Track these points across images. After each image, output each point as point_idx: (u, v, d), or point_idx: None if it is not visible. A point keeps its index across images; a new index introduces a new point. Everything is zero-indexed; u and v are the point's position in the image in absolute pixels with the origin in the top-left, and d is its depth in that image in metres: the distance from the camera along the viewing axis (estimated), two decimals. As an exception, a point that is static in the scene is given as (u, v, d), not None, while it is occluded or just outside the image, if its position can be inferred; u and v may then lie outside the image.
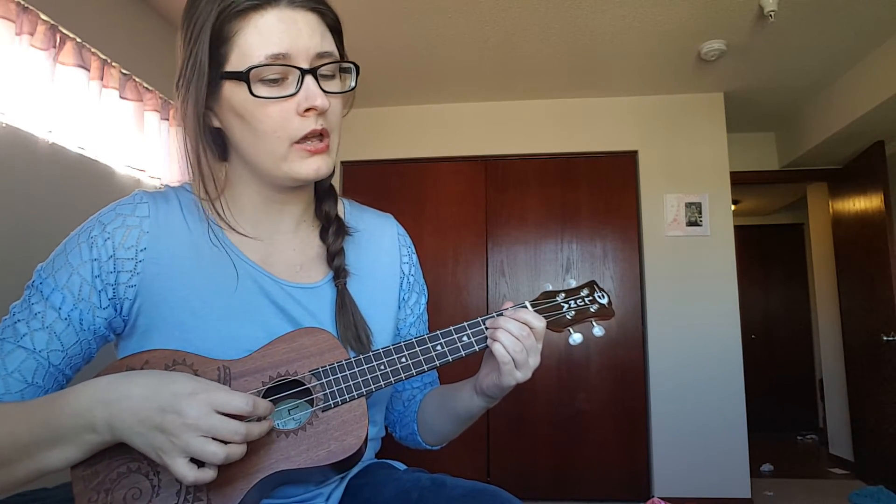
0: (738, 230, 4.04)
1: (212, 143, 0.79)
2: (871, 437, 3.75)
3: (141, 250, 0.75)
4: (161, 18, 2.76)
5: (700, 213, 3.58)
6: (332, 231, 0.85)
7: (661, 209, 3.61)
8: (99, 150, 2.25)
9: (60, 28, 2.04)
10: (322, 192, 0.87)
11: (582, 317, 0.85)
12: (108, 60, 2.28)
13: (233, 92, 0.72)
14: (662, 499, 2.84)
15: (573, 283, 0.88)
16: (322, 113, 0.73)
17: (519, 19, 2.81)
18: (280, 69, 0.70)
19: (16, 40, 1.85)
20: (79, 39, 2.12)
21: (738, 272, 3.58)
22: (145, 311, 0.75)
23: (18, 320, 0.71)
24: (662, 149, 3.66)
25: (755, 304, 6.00)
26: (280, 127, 0.72)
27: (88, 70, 2.14)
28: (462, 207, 3.75)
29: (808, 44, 3.00)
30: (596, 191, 3.70)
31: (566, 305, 0.85)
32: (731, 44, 3.00)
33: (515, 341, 0.76)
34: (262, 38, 0.69)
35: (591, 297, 0.87)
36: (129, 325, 0.76)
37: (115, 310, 0.75)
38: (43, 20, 1.95)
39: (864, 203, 3.76)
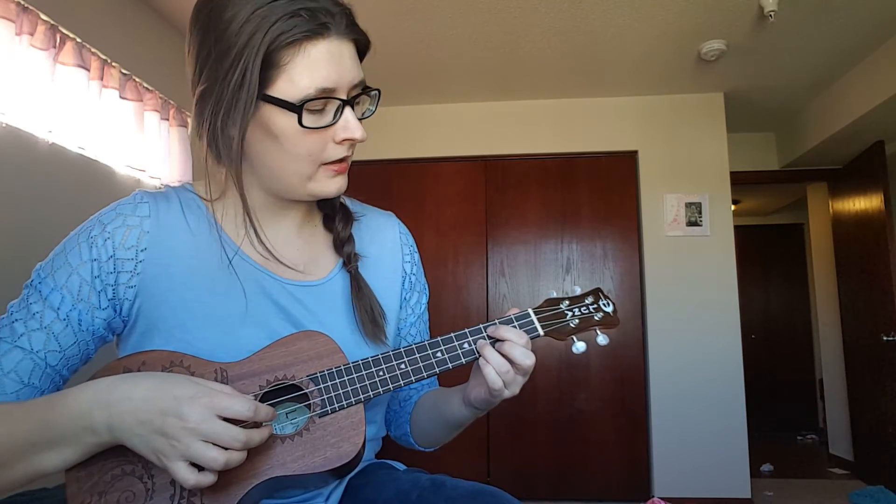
0: (738, 230, 4.04)
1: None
2: (871, 437, 3.75)
3: (141, 250, 0.75)
4: (161, 18, 2.76)
5: (700, 213, 3.58)
6: (340, 219, 0.85)
7: (661, 209, 3.61)
8: (99, 150, 2.24)
9: (60, 28, 2.03)
10: None
11: (586, 325, 0.83)
12: (108, 60, 2.28)
13: (274, 115, 0.71)
14: (662, 499, 2.84)
15: (578, 291, 0.86)
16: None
17: (519, 19, 2.81)
18: (325, 100, 0.71)
19: (16, 40, 1.85)
20: (79, 39, 2.11)
21: (738, 272, 3.58)
22: (145, 312, 0.74)
23: (16, 320, 0.71)
24: (662, 149, 3.66)
25: (755, 304, 6.00)
26: (315, 152, 0.73)
27: (88, 70, 2.14)
28: (462, 207, 3.75)
29: (808, 44, 3.00)
30: (596, 191, 3.70)
31: (570, 313, 0.83)
32: (731, 44, 3.00)
33: (503, 363, 0.75)
34: (313, 70, 0.69)
35: (595, 305, 0.84)
36: (128, 326, 0.76)
37: (115, 310, 0.74)
38: (43, 20, 1.95)
39: (864, 203, 3.76)
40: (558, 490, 3.48)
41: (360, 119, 0.76)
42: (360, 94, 0.75)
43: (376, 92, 0.78)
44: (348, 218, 0.86)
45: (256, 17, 0.68)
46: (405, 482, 0.78)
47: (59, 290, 0.72)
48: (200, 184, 0.83)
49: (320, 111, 0.72)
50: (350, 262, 0.83)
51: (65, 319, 0.71)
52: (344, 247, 0.84)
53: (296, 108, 0.69)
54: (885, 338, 3.45)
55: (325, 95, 0.70)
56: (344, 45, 0.72)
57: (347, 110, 0.73)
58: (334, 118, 0.72)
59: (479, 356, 0.76)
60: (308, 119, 0.71)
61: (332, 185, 0.76)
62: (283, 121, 0.71)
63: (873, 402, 3.70)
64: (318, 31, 0.69)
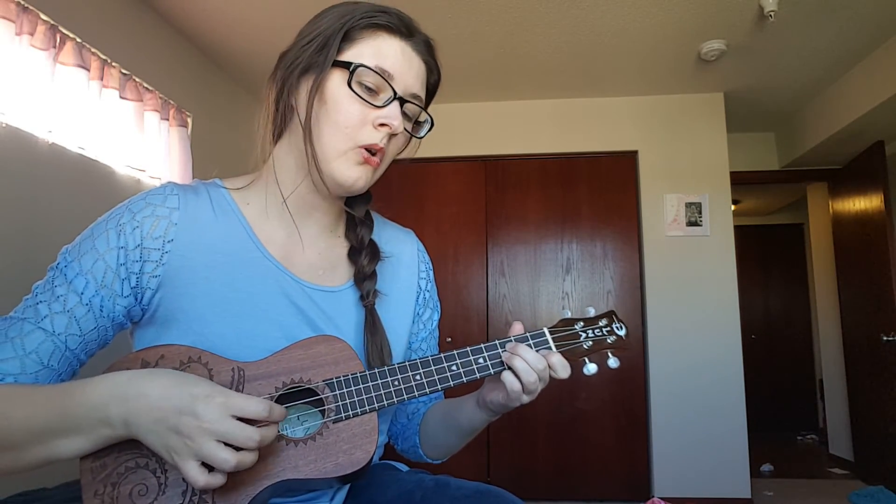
0: (738, 230, 4.05)
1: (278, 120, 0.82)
2: (871, 437, 3.75)
3: (168, 241, 0.75)
4: (161, 18, 2.75)
5: (700, 213, 3.58)
6: (366, 254, 0.86)
7: (661, 209, 3.61)
8: (99, 150, 2.24)
9: (60, 28, 2.03)
10: (359, 220, 0.88)
11: (599, 347, 0.84)
12: (108, 60, 2.28)
13: (332, 78, 0.76)
14: (662, 499, 2.84)
15: (592, 312, 0.87)
16: (391, 135, 0.78)
17: (519, 19, 2.81)
18: (380, 82, 0.76)
19: (16, 40, 1.85)
20: (79, 39, 2.11)
21: (738, 272, 3.58)
22: (165, 303, 0.75)
23: (40, 301, 0.71)
24: (662, 149, 3.66)
25: (755, 305, 6.00)
26: (353, 126, 0.76)
27: (88, 70, 2.14)
28: (462, 207, 3.75)
29: (808, 44, 3.00)
30: (596, 191, 3.70)
31: (584, 335, 0.84)
32: (731, 44, 3.00)
33: (531, 371, 0.75)
34: (381, 52, 0.77)
35: (609, 328, 0.85)
36: (147, 315, 0.76)
37: (136, 299, 0.75)
38: (43, 20, 1.95)
39: (864, 203, 3.76)
40: (558, 490, 3.48)
41: (408, 132, 0.81)
42: (412, 102, 0.80)
43: (429, 118, 0.84)
44: (375, 255, 0.87)
45: (349, 5, 0.79)
46: (409, 483, 0.79)
47: (83, 275, 0.72)
48: (230, 180, 0.85)
49: (374, 92, 0.76)
50: (368, 297, 0.83)
51: (87, 304, 0.72)
52: (365, 282, 0.84)
53: (350, 66, 0.75)
54: (885, 338, 3.45)
55: (381, 74, 0.75)
56: (415, 57, 0.79)
57: (396, 103, 0.77)
58: (383, 104, 0.76)
59: (507, 368, 0.77)
60: (358, 88, 0.75)
61: (352, 171, 0.77)
62: (336, 84, 0.76)
63: (873, 402, 3.70)
64: (397, 28, 0.77)
